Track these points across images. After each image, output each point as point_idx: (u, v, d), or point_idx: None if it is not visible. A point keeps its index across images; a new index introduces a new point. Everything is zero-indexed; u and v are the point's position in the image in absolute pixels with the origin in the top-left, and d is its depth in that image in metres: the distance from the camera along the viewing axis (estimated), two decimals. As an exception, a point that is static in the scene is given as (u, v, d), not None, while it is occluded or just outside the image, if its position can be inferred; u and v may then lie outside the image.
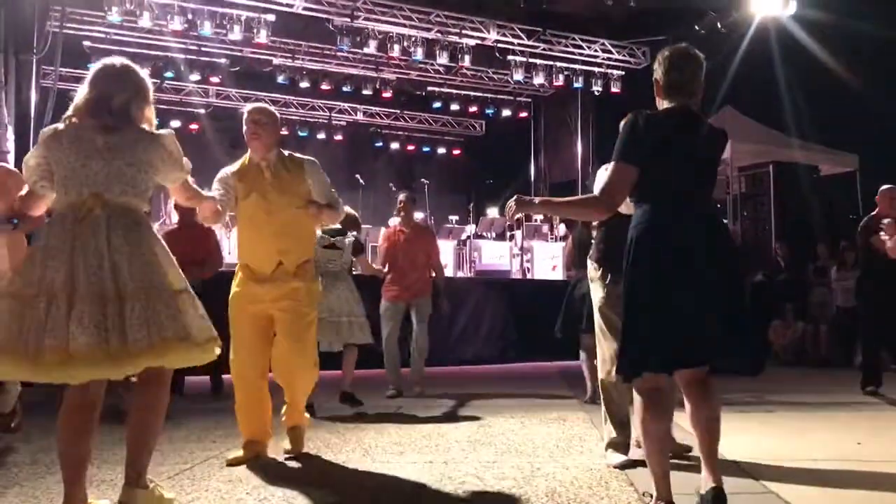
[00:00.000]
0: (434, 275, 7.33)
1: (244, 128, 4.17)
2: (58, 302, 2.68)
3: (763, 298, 10.95)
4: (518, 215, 3.41)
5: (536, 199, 3.47)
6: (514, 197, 3.20)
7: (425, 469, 3.90)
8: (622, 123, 3.17)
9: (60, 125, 2.98)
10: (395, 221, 12.58)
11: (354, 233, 6.35)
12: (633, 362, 2.90)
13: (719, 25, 12.07)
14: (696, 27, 12.23)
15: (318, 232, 5.82)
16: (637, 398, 2.97)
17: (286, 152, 4.28)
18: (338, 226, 5.86)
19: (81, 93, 3.03)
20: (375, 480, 3.74)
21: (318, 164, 4.31)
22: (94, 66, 3.09)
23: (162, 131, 3.20)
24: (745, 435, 4.45)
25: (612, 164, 3.06)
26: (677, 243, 2.88)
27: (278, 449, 4.30)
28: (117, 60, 3.12)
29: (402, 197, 7.46)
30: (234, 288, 4.20)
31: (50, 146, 2.92)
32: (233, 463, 4.00)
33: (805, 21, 12.07)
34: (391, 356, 6.99)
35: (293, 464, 4.11)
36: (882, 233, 6.14)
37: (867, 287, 7.01)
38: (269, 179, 4.13)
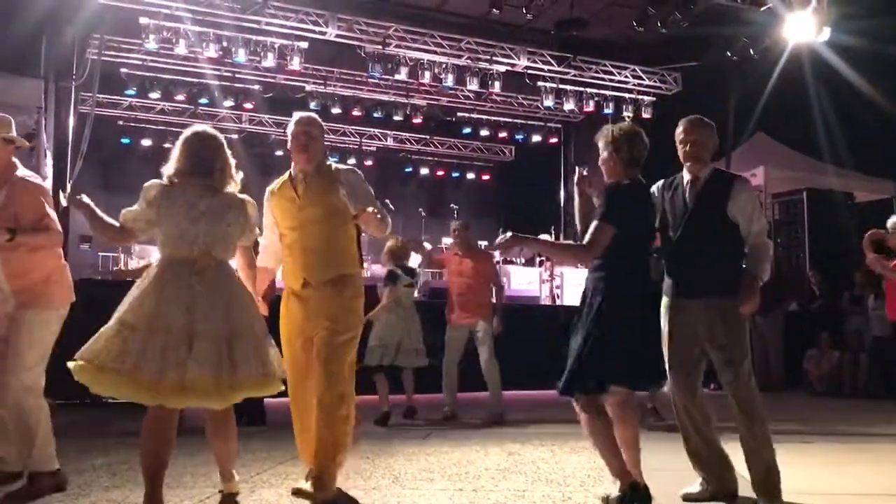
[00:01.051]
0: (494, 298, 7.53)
1: (291, 139, 3.88)
2: (177, 340, 3.15)
3: (797, 327, 10.77)
4: (509, 249, 3.90)
5: (529, 237, 3.92)
6: (509, 234, 3.65)
7: (455, 497, 3.86)
8: (607, 191, 3.73)
9: (166, 181, 3.45)
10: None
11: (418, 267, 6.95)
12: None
13: (752, 52, 11.98)
14: (729, 53, 12.15)
15: (398, 272, 7.04)
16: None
17: (328, 162, 4.00)
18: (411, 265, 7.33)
19: (178, 155, 3.47)
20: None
21: (358, 171, 4.00)
22: (187, 133, 3.54)
23: (245, 197, 3.60)
24: (781, 467, 4.34)
25: (596, 223, 3.59)
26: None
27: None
28: (207, 129, 3.58)
29: (455, 225, 7.77)
30: (282, 309, 3.95)
31: (161, 203, 3.40)
32: (298, 493, 3.69)
33: (839, 47, 11.95)
34: (450, 379, 7.22)
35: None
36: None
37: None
38: (301, 191, 3.85)
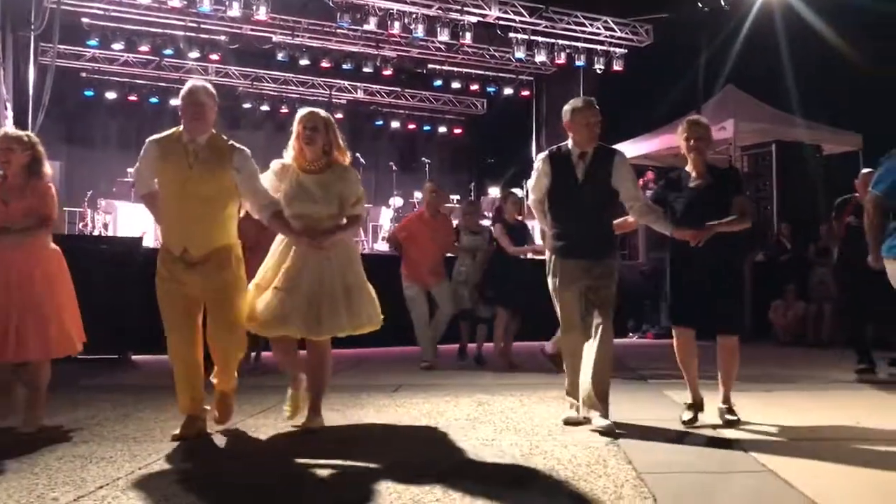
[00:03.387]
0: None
1: (182, 108, 4.05)
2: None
3: (764, 278, 10.92)
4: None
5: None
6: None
7: (423, 448, 3.89)
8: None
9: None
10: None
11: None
12: None
13: (722, 3, 11.93)
14: (700, 4, 12.10)
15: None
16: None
17: (222, 135, 4.19)
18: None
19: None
20: (371, 458, 3.73)
21: (250, 157, 4.14)
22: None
23: None
24: (741, 412, 4.45)
25: None
26: None
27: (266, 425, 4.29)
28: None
29: (428, 186, 8.00)
30: (162, 271, 4.12)
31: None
32: (177, 438, 4.00)
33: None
34: (424, 332, 7.48)
35: (287, 439, 4.11)
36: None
37: (844, 267, 7.03)
38: (193, 164, 4.02)
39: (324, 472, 3.45)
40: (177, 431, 4.06)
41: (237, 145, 4.15)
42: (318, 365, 4.33)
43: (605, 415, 4.24)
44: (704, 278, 4.32)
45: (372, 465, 3.56)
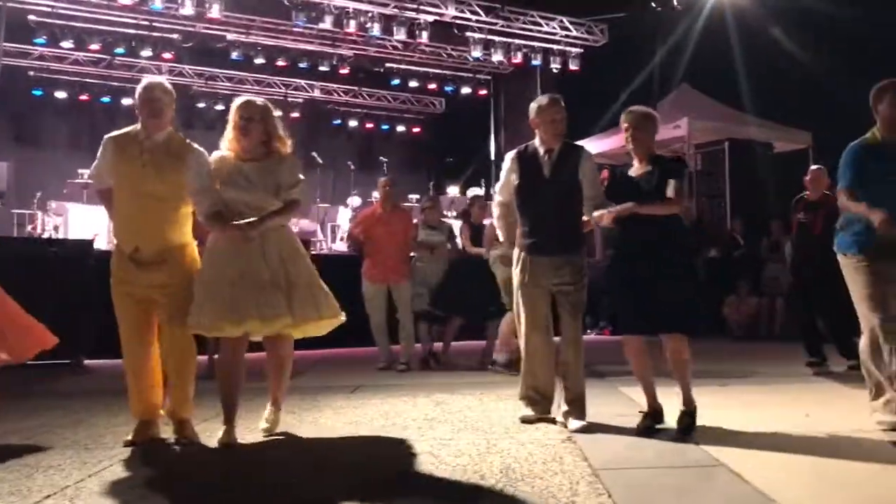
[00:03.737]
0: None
1: (139, 105, 4.00)
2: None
3: (717, 274, 11.11)
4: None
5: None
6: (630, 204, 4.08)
7: (380, 448, 3.88)
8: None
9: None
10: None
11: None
12: None
13: (675, 3, 12.12)
14: (653, 4, 12.27)
15: None
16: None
17: (179, 134, 4.14)
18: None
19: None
20: (328, 460, 3.71)
21: (205, 156, 4.09)
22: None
23: None
24: (700, 409, 4.50)
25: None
26: None
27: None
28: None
29: (384, 180, 7.75)
30: (117, 271, 4.07)
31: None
32: (130, 443, 3.94)
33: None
34: (382, 335, 7.44)
35: (242, 443, 4.06)
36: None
37: (797, 262, 7.21)
38: (149, 162, 3.96)
39: (278, 475, 3.42)
40: (129, 437, 3.99)
41: (194, 145, 4.08)
42: (278, 366, 4.30)
43: (583, 417, 4.32)
44: (649, 278, 4.11)
45: (328, 467, 3.54)
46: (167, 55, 14.47)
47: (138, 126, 4.03)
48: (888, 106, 4.20)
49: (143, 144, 3.97)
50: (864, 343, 4.24)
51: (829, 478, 3.26)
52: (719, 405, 4.86)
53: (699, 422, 4.17)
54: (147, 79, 4.12)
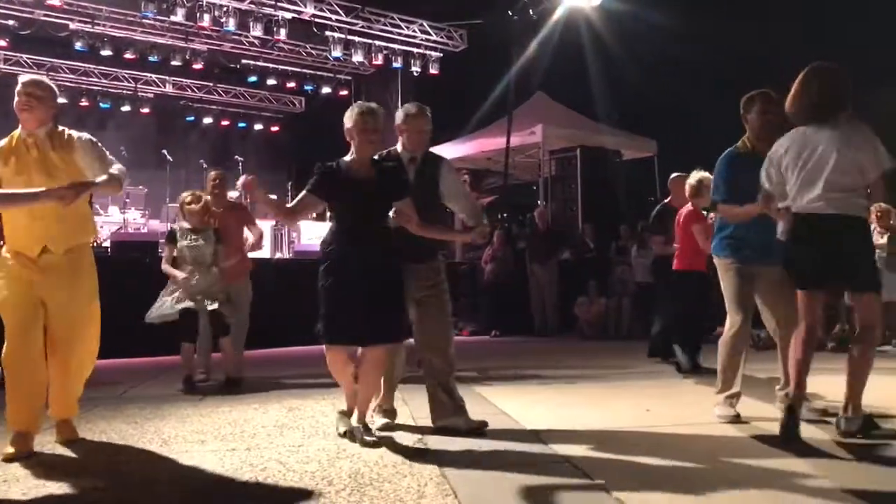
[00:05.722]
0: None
1: (16, 101, 3.87)
2: None
3: (569, 276, 11.53)
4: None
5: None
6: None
7: (226, 457, 3.73)
8: None
9: None
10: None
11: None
12: None
13: (531, 12, 12.49)
14: (510, 13, 12.60)
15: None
16: None
17: (62, 128, 3.99)
18: None
19: None
20: (170, 472, 3.53)
21: (94, 140, 4.01)
22: None
23: None
24: (543, 405, 4.62)
25: None
26: None
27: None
28: None
29: (213, 175, 7.05)
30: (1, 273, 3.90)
31: None
32: (8, 459, 3.69)
33: (610, 12, 12.74)
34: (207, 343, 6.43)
35: (78, 456, 3.81)
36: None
37: (666, 271, 7.22)
38: (36, 158, 3.84)
39: (118, 487, 3.21)
40: (10, 450, 3.73)
41: (77, 133, 3.98)
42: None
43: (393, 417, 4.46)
44: (359, 285, 3.90)
45: (171, 478, 3.37)
46: (2, 42, 13.45)
47: (17, 130, 3.90)
48: (757, 115, 4.42)
49: (27, 142, 3.86)
50: (725, 338, 4.50)
51: (665, 471, 3.40)
52: (566, 402, 5.00)
53: (546, 420, 4.27)
54: (24, 75, 4.04)
